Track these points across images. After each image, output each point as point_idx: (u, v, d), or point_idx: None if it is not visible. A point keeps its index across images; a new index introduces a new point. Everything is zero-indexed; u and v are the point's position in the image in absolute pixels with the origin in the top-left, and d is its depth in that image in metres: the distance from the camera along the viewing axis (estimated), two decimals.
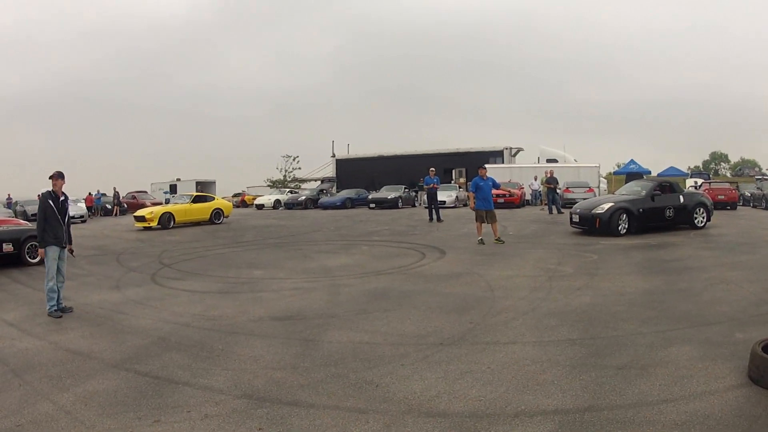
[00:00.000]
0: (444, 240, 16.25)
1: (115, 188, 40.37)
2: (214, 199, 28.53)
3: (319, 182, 56.86)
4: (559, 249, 13.46)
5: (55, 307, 8.11)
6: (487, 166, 17.11)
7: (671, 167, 48.74)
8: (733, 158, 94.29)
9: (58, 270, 8.22)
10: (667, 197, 16.68)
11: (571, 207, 19.24)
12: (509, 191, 27.02)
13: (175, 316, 7.96)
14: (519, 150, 48.04)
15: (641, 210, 16.03)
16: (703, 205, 17.18)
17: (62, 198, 8.40)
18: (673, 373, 4.94)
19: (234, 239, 19.16)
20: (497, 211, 15.80)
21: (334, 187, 50.02)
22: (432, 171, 23.23)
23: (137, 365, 5.77)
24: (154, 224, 23.65)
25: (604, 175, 46.00)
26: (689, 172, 56.78)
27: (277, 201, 41.97)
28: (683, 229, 16.48)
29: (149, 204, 35.27)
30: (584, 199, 30.74)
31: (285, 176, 64.18)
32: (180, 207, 25.61)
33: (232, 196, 50.48)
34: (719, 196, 26.26)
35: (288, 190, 51.10)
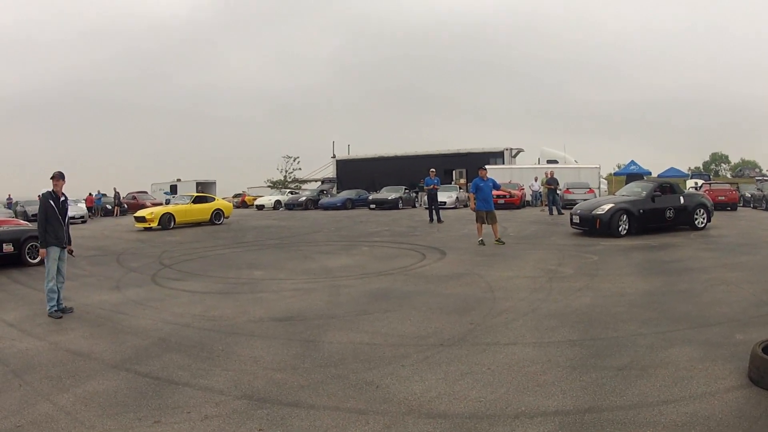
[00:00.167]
0: (444, 241, 16.25)
1: (115, 188, 40.48)
2: (214, 199, 28.56)
3: (319, 183, 56.84)
4: (559, 250, 13.46)
5: (56, 308, 8.11)
6: (487, 167, 17.15)
7: (672, 168, 48.75)
8: (734, 159, 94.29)
9: (58, 270, 8.23)
10: (668, 198, 16.68)
11: (572, 208, 19.24)
12: (509, 192, 27.01)
13: (175, 316, 7.96)
14: (519, 151, 48.05)
15: (641, 211, 16.02)
16: (703, 206, 17.18)
17: (62, 198, 8.40)
18: (673, 374, 4.94)
19: (234, 240, 19.16)
20: (497, 212, 15.79)
21: (335, 188, 50.03)
22: (432, 172, 23.23)
23: (137, 366, 5.77)
24: (154, 225, 23.66)
25: (604, 176, 46.01)
26: (689, 173, 56.78)
27: (278, 202, 41.96)
28: (683, 230, 16.47)
29: (149, 204, 35.26)
30: (584, 200, 30.78)
31: (285, 177, 64.13)
32: (180, 207, 25.61)
33: (233, 197, 50.45)
34: (719, 197, 26.26)
35: (288, 190, 51.09)
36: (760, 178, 46.76)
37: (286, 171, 64.58)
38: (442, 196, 29.36)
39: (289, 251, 15.35)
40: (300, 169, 64.79)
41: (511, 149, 47.25)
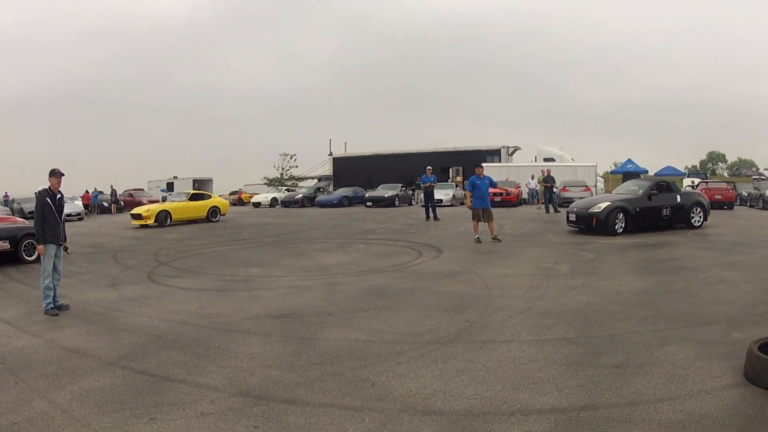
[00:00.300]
0: (441, 238, 16.26)
1: (112, 186, 40.42)
2: (211, 197, 28.54)
3: (316, 180, 56.79)
4: (555, 248, 13.48)
5: (52, 305, 8.10)
6: (484, 165, 17.12)
7: (668, 167, 48.80)
8: (731, 158, 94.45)
9: (54, 268, 8.21)
10: (664, 197, 16.70)
11: (568, 206, 19.27)
12: (506, 190, 27.01)
13: (171, 314, 7.96)
14: (516, 149, 48.17)
15: (638, 209, 16.04)
16: (699, 204, 17.19)
17: (59, 196, 8.39)
18: (669, 372, 4.96)
19: (231, 237, 19.14)
20: (494, 210, 15.82)
21: (331, 186, 50.01)
22: (429, 170, 23.21)
23: (133, 363, 5.77)
24: (150, 222, 23.60)
25: (601, 174, 46.07)
26: (686, 171, 56.90)
27: (274, 199, 41.95)
28: (680, 229, 16.48)
29: (146, 202, 35.19)
30: (581, 198, 30.82)
31: (282, 174, 64.07)
32: (177, 205, 25.57)
33: (229, 194, 50.36)
34: (716, 196, 26.26)
35: (285, 188, 51.05)
36: (757, 177, 46.89)
37: (283, 168, 64.53)
38: (439, 194, 29.36)
39: (286, 248, 15.34)
40: (297, 166, 64.74)
41: (508, 147, 47.37)
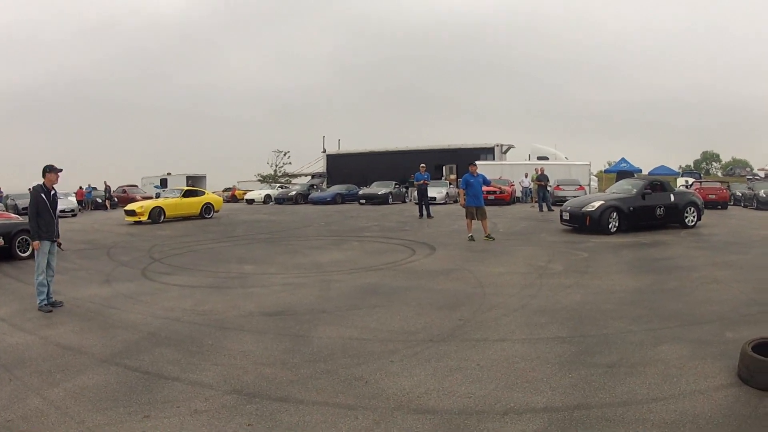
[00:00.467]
0: (434, 236, 16.26)
1: (105, 182, 40.33)
2: (204, 193, 28.48)
3: (309, 177, 56.69)
4: (549, 246, 13.51)
5: (45, 302, 8.07)
6: (477, 162, 17.13)
7: (662, 166, 48.87)
8: (725, 158, 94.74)
9: (48, 264, 8.18)
10: (658, 196, 16.76)
11: (562, 204, 19.32)
12: (500, 188, 27.05)
13: (165, 311, 7.94)
14: (510, 147, 48.20)
15: (632, 208, 16.08)
16: (693, 204, 17.27)
17: (53, 192, 8.36)
18: (662, 371, 4.98)
19: (224, 234, 19.09)
20: (487, 208, 15.84)
21: (325, 183, 49.95)
22: (422, 167, 23.21)
23: (127, 360, 5.76)
24: (144, 218, 23.51)
25: (594, 173, 46.13)
26: (680, 171, 57.01)
27: (268, 196, 42.00)
28: (674, 228, 16.54)
29: (139, 198, 35.12)
30: (575, 196, 30.88)
31: (275, 171, 63.89)
32: (170, 201, 25.49)
33: (223, 191, 50.25)
34: (710, 196, 26.36)
35: (278, 185, 50.96)
36: (751, 176, 47.06)
37: (276, 165, 64.34)
38: (432, 192, 29.41)
39: (280, 245, 15.33)
40: (290, 163, 64.54)
41: (502, 145, 47.38)
